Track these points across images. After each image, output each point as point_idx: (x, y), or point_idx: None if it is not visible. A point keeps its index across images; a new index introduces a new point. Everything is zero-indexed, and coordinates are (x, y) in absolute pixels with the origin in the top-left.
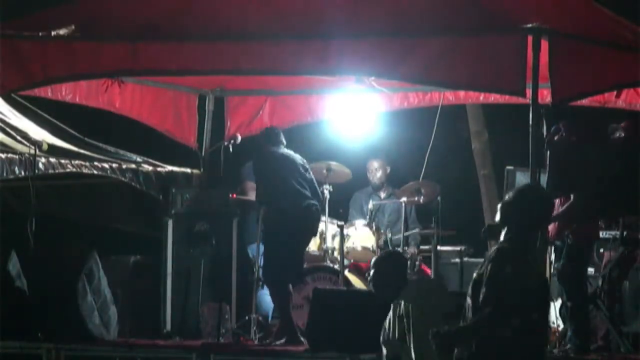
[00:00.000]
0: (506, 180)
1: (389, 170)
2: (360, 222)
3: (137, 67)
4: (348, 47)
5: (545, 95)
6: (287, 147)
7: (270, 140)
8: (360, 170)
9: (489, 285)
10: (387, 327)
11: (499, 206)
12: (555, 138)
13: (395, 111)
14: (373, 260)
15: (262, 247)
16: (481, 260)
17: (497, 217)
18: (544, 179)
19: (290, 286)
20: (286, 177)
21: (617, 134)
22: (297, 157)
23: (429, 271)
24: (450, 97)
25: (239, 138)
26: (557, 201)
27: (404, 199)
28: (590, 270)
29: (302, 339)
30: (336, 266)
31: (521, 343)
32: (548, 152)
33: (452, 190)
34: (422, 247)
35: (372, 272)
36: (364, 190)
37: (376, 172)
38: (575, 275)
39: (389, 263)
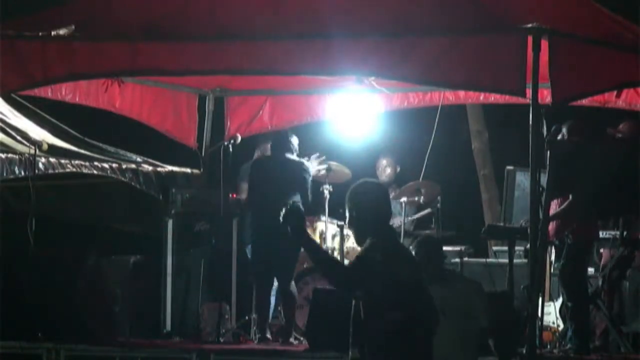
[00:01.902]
0: (506, 180)
1: (398, 169)
2: None
3: (137, 67)
4: (348, 47)
5: (545, 95)
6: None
7: (273, 146)
8: (360, 171)
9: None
10: None
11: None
12: (556, 138)
13: (395, 111)
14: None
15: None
16: (481, 260)
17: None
18: (544, 179)
19: (294, 286)
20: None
21: (618, 134)
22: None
23: None
24: (450, 97)
25: (239, 138)
26: (555, 201)
27: (404, 199)
28: (590, 270)
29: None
30: None
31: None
32: (548, 152)
33: (452, 190)
34: None
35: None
36: None
37: (385, 169)
38: (575, 275)
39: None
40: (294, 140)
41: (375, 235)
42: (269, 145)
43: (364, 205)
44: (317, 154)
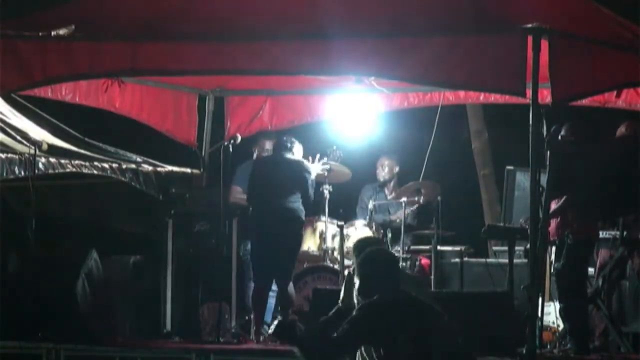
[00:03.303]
0: (506, 180)
1: (397, 169)
2: (360, 222)
3: (137, 67)
4: (348, 47)
5: (545, 95)
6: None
7: (275, 146)
8: (360, 170)
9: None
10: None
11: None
12: (556, 138)
13: (395, 111)
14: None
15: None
16: (481, 260)
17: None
18: (544, 179)
19: (292, 288)
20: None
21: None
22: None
23: (427, 265)
24: (450, 97)
25: (239, 138)
26: (555, 201)
27: (404, 199)
28: (590, 270)
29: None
30: (336, 266)
31: None
32: (548, 152)
33: (452, 190)
34: (422, 247)
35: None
36: (371, 185)
37: (383, 168)
38: (575, 275)
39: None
40: (298, 148)
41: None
42: (266, 142)
43: (369, 274)
44: (324, 159)
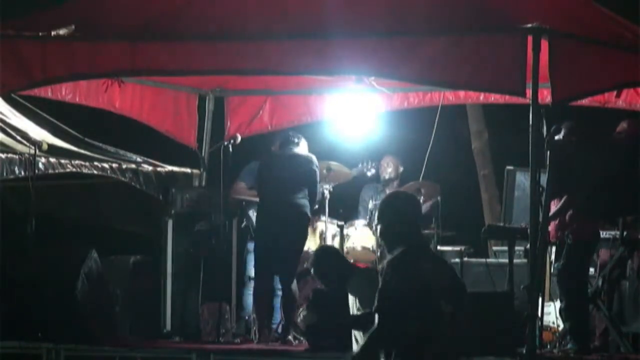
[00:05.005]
0: (506, 180)
1: (401, 169)
2: (360, 222)
3: (137, 67)
4: (348, 47)
5: (545, 95)
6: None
7: (281, 142)
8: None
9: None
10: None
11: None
12: (556, 138)
13: (395, 111)
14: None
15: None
16: (481, 260)
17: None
18: (544, 179)
19: (296, 286)
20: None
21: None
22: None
23: None
24: (450, 97)
25: (239, 138)
26: (554, 201)
27: None
28: (591, 270)
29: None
30: None
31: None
32: (548, 152)
33: (452, 190)
34: None
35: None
36: (372, 185)
37: (388, 166)
38: (575, 275)
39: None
40: (304, 143)
41: (403, 244)
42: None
43: (388, 217)
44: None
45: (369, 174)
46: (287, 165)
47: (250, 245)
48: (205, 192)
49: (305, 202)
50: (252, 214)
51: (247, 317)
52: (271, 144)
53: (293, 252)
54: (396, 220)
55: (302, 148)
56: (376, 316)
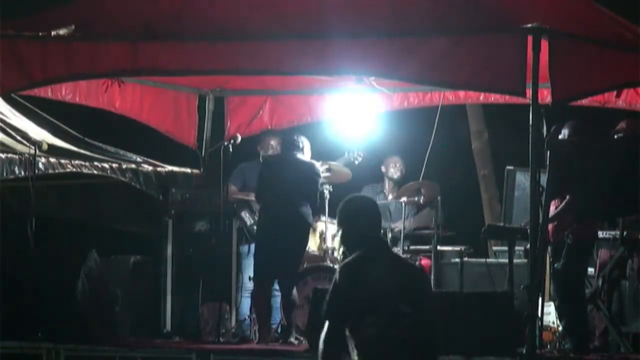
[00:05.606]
0: (506, 180)
1: (404, 171)
2: None
3: (137, 67)
4: (348, 47)
5: (545, 95)
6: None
7: (283, 147)
8: (360, 171)
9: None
10: None
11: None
12: (559, 137)
13: (395, 111)
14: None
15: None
16: (481, 260)
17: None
18: (544, 179)
19: (295, 290)
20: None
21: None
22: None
23: (427, 265)
24: (450, 97)
25: (239, 138)
26: (554, 202)
27: (404, 199)
28: (590, 270)
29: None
30: (336, 266)
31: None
32: (548, 152)
33: (452, 190)
34: (422, 247)
35: None
36: (371, 186)
37: (395, 165)
38: (575, 275)
39: None
40: (307, 147)
41: (361, 248)
42: (271, 141)
43: (345, 221)
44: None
45: (355, 162)
46: (291, 171)
47: (244, 249)
48: (205, 192)
49: (307, 209)
50: (245, 215)
51: (243, 319)
52: (261, 145)
53: (294, 259)
54: (352, 224)
55: (306, 153)
56: (326, 322)
